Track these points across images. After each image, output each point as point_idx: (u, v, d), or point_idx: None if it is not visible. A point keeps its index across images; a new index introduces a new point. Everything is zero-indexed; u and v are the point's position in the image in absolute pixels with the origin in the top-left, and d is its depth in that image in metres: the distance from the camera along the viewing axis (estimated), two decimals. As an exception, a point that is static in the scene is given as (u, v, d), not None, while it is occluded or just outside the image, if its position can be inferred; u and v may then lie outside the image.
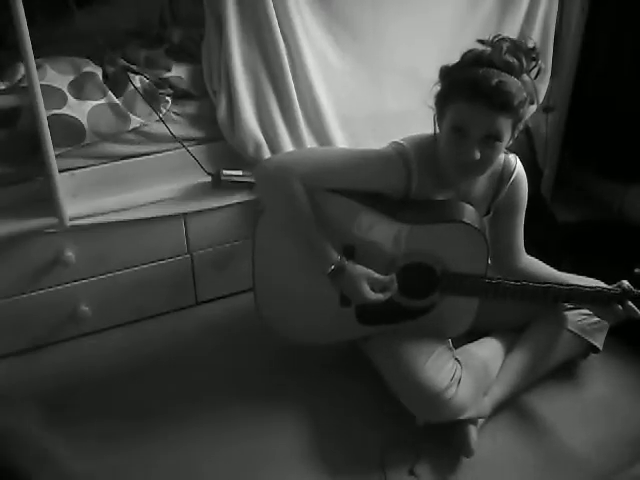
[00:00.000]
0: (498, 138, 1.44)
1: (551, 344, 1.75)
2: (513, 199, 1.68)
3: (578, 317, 1.75)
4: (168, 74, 1.94)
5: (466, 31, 2.08)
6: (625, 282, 1.59)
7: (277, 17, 1.85)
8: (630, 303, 1.56)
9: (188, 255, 2.01)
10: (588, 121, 2.53)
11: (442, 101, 1.49)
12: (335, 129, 2.04)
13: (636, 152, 2.38)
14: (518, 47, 1.45)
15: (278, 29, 1.86)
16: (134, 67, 1.92)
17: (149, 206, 1.89)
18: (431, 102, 1.51)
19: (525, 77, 1.45)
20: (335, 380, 1.83)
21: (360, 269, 1.54)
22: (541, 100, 2.38)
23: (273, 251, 1.65)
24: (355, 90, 2.05)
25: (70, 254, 1.83)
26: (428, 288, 1.62)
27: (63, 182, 1.73)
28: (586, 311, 1.74)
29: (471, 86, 1.42)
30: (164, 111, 1.88)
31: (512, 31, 2.20)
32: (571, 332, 1.74)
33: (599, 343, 1.77)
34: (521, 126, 1.50)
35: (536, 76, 1.49)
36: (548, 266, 1.75)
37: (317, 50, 1.96)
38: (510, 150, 1.66)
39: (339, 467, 1.61)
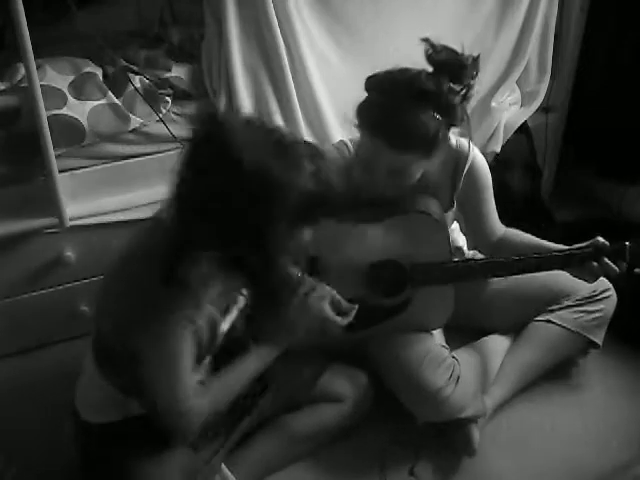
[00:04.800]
0: (403, 172, 1.44)
1: (550, 342, 1.75)
2: (474, 187, 1.64)
3: (576, 315, 1.75)
4: (168, 74, 1.93)
5: (466, 31, 2.08)
6: (600, 239, 1.54)
7: (277, 17, 1.85)
8: (606, 260, 1.51)
9: (188, 255, 2.01)
10: (588, 121, 2.53)
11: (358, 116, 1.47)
12: (335, 129, 2.04)
13: (636, 152, 2.38)
14: (447, 63, 1.39)
15: (278, 29, 1.86)
16: (134, 67, 1.92)
17: (149, 206, 1.89)
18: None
19: (450, 99, 1.39)
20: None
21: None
22: (541, 100, 2.39)
23: None
24: (355, 90, 2.05)
25: (70, 254, 1.83)
26: (400, 284, 1.61)
27: (63, 182, 1.73)
28: (584, 308, 1.74)
29: (372, 123, 1.42)
30: (164, 111, 1.88)
31: (512, 31, 2.20)
32: (569, 330, 1.74)
33: (598, 339, 1.77)
34: (440, 149, 1.45)
35: (466, 94, 1.42)
36: (529, 235, 1.70)
37: (317, 50, 1.96)
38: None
39: (339, 467, 1.61)
